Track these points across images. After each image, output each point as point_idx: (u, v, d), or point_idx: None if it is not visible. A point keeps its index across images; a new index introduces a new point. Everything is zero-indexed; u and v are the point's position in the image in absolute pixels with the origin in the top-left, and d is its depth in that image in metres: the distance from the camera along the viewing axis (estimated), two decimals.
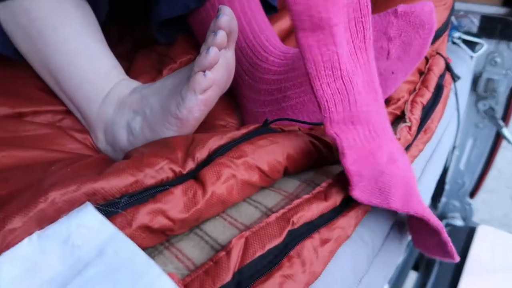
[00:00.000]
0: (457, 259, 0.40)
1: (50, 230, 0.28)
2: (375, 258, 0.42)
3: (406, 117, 0.50)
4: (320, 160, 0.42)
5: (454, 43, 0.87)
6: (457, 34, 0.87)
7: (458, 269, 0.88)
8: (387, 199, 0.36)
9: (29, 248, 0.28)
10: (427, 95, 0.56)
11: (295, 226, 0.34)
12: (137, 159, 0.35)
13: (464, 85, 0.78)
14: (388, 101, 0.52)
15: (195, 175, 0.35)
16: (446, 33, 0.69)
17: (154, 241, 0.32)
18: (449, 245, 0.39)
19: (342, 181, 0.37)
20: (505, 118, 0.95)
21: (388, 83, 0.47)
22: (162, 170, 0.34)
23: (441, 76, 0.62)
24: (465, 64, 0.81)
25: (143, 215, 0.31)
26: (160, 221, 0.31)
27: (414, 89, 0.56)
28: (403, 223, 0.46)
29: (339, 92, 0.35)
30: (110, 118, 0.49)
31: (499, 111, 0.95)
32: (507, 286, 0.85)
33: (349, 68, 0.35)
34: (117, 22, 0.75)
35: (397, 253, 0.47)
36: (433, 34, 0.44)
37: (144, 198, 0.32)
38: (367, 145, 0.37)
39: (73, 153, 0.45)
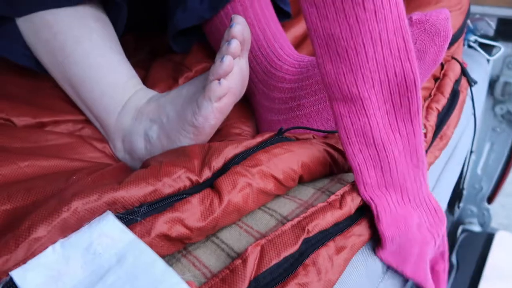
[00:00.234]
0: None
1: (73, 238, 0.29)
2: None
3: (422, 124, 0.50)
4: (335, 168, 0.42)
5: (470, 46, 0.86)
6: (473, 38, 0.86)
7: (476, 276, 0.86)
8: (404, 264, 0.37)
9: (53, 256, 0.29)
10: (443, 101, 0.55)
11: (310, 234, 0.34)
12: (155, 168, 0.35)
13: (480, 89, 0.77)
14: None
15: (211, 184, 0.36)
16: (462, 37, 0.68)
17: (172, 249, 0.33)
18: None
19: (357, 190, 0.38)
20: None
21: None
22: (179, 179, 0.35)
23: (457, 81, 0.62)
24: (481, 68, 0.80)
25: (162, 224, 0.32)
26: (178, 230, 0.32)
27: (429, 95, 0.56)
28: None
29: (371, 158, 0.36)
30: (128, 127, 0.50)
31: None
32: None
33: (384, 137, 0.35)
34: (133, 31, 0.77)
35: None
36: (448, 41, 0.44)
37: (162, 207, 0.33)
38: (400, 210, 0.38)
39: (93, 162, 0.46)
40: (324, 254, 0.33)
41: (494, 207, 1.08)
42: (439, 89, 0.57)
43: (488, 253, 0.90)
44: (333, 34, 0.32)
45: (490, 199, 1.06)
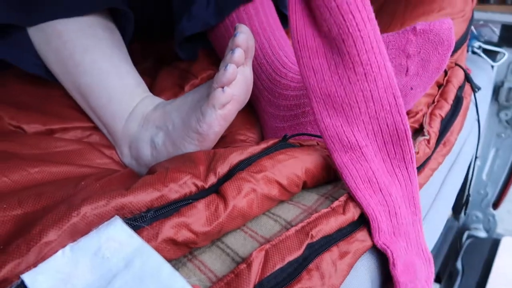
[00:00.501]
0: None
1: (82, 242, 0.30)
2: None
3: (425, 130, 0.50)
4: (338, 174, 0.43)
5: (474, 52, 0.86)
6: (477, 44, 0.86)
7: (482, 282, 0.86)
8: None
9: (62, 260, 0.29)
10: (446, 107, 0.56)
11: (314, 240, 0.34)
12: (161, 174, 0.36)
13: (485, 95, 0.78)
14: (406, 115, 0.53)
15: (217, 190, 0.36)
16: (465, 44, 0.69)
17: (178, 254, 0.34)
18: None
19: None
20: None
21: (407, 98, 0.48)
22: (185, 184, 0.36)
23: (461, 88, 0.62)
24: (485, 74, 0.81)
25: (168, 228, 0.32)
26: (184, 234, 0.33)
27: (433, 102, 0.56)
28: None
29: (380, 204, 0.37)
30: (135, 134, 0.51)
31: None
32: None
33: (387, 182, 0.38)
34: (140, 40, 0.78)
35: None
36: (451, 50, 0.44)
37: (169, 212, 0.33)
38: (407, 257, 0.38)
39: (101, 168, 0.47)
40: (327, 259, 0.34)
41: (499, 213, 1.08)
42: (443, 95, 0.57)
43: (494, 259, 0.90)
44: (329, 93, 0.36)
45: (495, 205, 1.06)
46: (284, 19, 0.63)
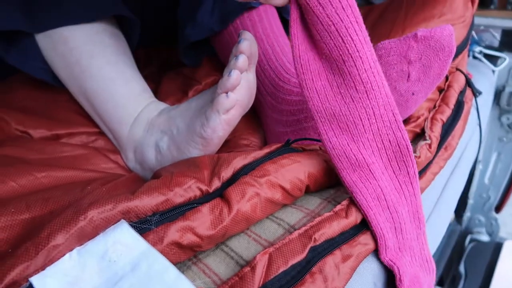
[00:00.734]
0: None
1: (89, 246, 0.31)
2: None
3: (426, 134, 0.51)
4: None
5: (475, 57, 0.87)
6: (478, 49, 0.87)
7: (484, 286, 0.86)
8: None
9: (70, 263, 0.30)
10: (447, 112, 0.56)
11: (317, 243, 0.35)
12: (166, 178, 0.37)
13: (486, 100, 0.78)
14: (408, 119, 0.53)
15: (221, 194, 0.37)
16: (466, 49, 0.69)
17: (183, 257, 0.34)
18: None
19: None
20: None
21: (408, 104, 0.49)
22: (190, 189, 0.36)
23: (462, 92, 0.62)
24: (486, 78, 0.81)
25: (174, 232, 0.33)
26: (189, 238, 0.33)
27: (434, 106, 0.56)
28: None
29: (387, 221, 0.38)
30: (140, 139, 0.51)
31: None
32: None
33: (394, 199, 0.39)
34: (145, 46, 0.79)
35: None
36: (452, 56, 0.45)
37: (174, 216, 0.34)
38: (412, 270, 0.39)
39: (106, 173, 0.47)
40: (330, 262, 0.34)
41: (502, 217, 1.08)
42: (444, 100, 0.58)
43: (497, 263, 0.90)
44: (334, 112, 0.38)
45: (498, 209, 1.06)
46: (287, 26, 0.64)
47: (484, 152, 0.99)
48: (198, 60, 0.69)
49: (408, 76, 0.46)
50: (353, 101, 0.37)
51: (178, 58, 0.67)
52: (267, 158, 0.40)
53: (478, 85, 0.69)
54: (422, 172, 0.48)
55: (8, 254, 0.30)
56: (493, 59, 0.86)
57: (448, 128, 0.55)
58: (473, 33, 0.87)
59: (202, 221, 0.34)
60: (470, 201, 1.04)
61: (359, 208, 0.38)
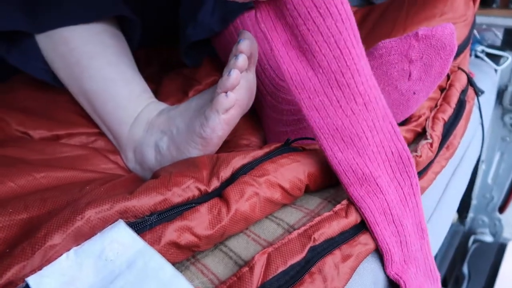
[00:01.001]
0: None
1: (86, 246, 0.31)
2: None
3: (428, 133, 0.50)
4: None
5: (477, 56, 0.86)
6: (480, 48, 0.86)
7: (488, 286, 0.85)
8: None
9: (67, 263, 0.30)
10: (449, 111, 0.56)
11: (317, 243, 0.35)
12: (165, 178, 0.37)
13: (488, 99, 0.77)
14: (409, 119, 0.53)
15: (219, 193, 0.37)
16: (468, 48, 0.69)
17: (181, 257, 0.34)
18: None
19: None
20: None
21: (409, 103, 0.48)
22: (188, 188, 0.36)
23: (463, 91, 0.62)
24: (489, 77, 0.81)
25: (171, 232, 0.33)
26: (187, 238, 0.33)
27: (436, 106, 0.56)
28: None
29: (393, 235, 0.38)
30: (140, 139, 0.51)
31: None
32: None
33: (399, 212, 0.39)
34: (145, 46, 0.79)
35: None
36: (453, 55, 0.44)
37: (172, 215, 0.34)
38: (417, 282, 0.39)
39: (105, 173, 0.47)
40: (330, 262, 0.34)
41: (506, 217, 1.07)
42: (445, 99, 0.57)
43: (500, 264, 0.89)
44: (337, 127, 0.38)
45: (501, 209, 1.05)
46: None
47: (487, 152, 0.99)
48: (199, 60, 0.69)
49: (409, 75, 0.45)
50: (354, 114, 0.37)
51: (178, 58, 0.67)
52: (266, 158, 0.40)
53: (480, 84, 0.69)
54: (423, 172, 0.48)
55: (5, 254, 0.30)
56: (495, 58, 0.85)
57: (449, 127, 0.55)
58: (475, 32, 0.87)
59: (200, 221, 0.34)
60: (473, 202, 1.03)
61: (366, 224, 0.38)
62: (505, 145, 0.97)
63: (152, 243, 0.32)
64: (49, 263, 0.29)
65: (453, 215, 0.67)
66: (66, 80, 0.55)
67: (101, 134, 0.56)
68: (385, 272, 0.38)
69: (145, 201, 0.34)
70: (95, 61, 0.52)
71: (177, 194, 0.35)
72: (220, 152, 0.47)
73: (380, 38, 0.48)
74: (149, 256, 0.30)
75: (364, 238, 0.37)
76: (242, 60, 0.42)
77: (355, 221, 0.38)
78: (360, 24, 0.76)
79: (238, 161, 0.39)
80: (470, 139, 0.67)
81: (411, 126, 0.52)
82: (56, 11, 0.53)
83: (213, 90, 0.45)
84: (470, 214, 1.06)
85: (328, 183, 0.43)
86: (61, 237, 0.30)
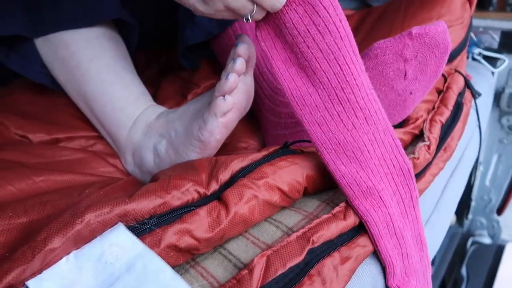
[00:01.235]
0: None
1: (86, 249, 0.31)
2: None
3: (425, 136, 0.51)
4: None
5: (474, 59, 0.87)
6: (477, 51, 0.87)
7: None
8: None
9: (66, 266, 0.30)
10: (446, 113, 0.56)
11: (315, 245, 0.35)
12: (164, 181, 0.37)
13: (485, 101, 0.78)
14: (406, 121, 0.53)
15: (218, 196, 0.37)
16: (465, 51, 0.69)
17: (181, 260, 0.34)
18: None
19: None
20: None
21: (406, 103, 0.49)
22: (187, 191, 0.36)
23: (461, 94, 0.62)
24: (486, 80, 0.81)
25: (171, 235, 0.33)
26: (186, 241, 0.33)
27: (433, 108, 0.56)
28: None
29: (395, 248, 0.39)
30: (138, 142, 0.51)
31: None
32: None
33: (401, 225, 0.39)
34: (144, 49, 0.79)
35: None
36: (448, 52, 0.45)
37: (171, 218, 0.34)
38: None
39: (105, 176, 0.47)
40: (329, 264, 0.34)
41: (504, 219, 1.07)
42: (443, 101, 0.58)
43: (499, 265, 0.90)
44: (339, 141, 0.38)
45: (499, 211, 1.06)
46: None
47: (484, 154, 0.99)
48: (197, 62, 0.69)
49: (405, 75, 0.46)
50: (355, 128, 0.38)
51: (177, 61, 0.67)
52: (265, 160, 0.40)
53: (477, 86, 0.69)
54: (421, 174, 0.48)
55: (5, 258, 0.30)
56: (492, 61, 0.86)
57: (447, 130, 0.55)
58: (472, 34, 0.87)
59: (200, 224, 0.34)
60: (472, 204, 1.04)
61: (370, 237, 0.38)
62: (502, 147, 0.97)
63: (152, 246, 0.32)
64: (49, 266, 0.29)
65: (451, 217, 0.68)
66: (65, 83, 0.55)
67: (100, 137, 0.56)
68: (386, 285, 0.38)
69: (144, 204, 0.34)
70: (94, 65, 0.52)
71: (177, 197, 0.35)
72: (218, 155, 0.47)
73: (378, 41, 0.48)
74: (148, 259, 0.30)
75: (362, 240, 0.38)
76: (240, 63, 0.43)
77: (354, 223, 0.38)
78: (358, 27, 0.76)
79: (237, 164, 0.39)
80: (468, 141, 0.67)
81: (408, 128, 0.52)
82: (55, 15, 0.53)
83: (211, 94, 0.45)
84: (469, 216, 1.07)
85: (326, 186, 0.43)
86: (61, 241, 0.30)
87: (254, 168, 0.39)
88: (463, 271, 0.94)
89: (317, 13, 0.35)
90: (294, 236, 0.35)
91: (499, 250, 0.95)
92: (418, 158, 0.47)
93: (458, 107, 0.59)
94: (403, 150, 0.40)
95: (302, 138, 0.51)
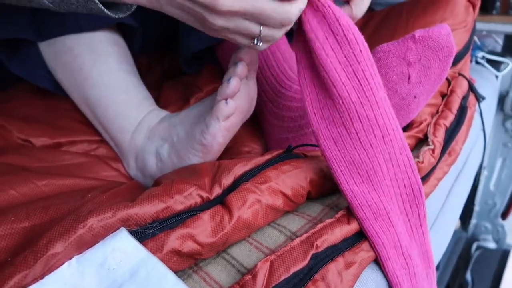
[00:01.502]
0: None
1: (88, 254, 0.30)
2: None
3: (429, 140, 0.50)
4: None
5: (478, 63, 0.87)
6: (480, 54, 0.86)
7: None
8: None
9: (69, 271, 0.30)
10: (450, 117, 0.56)
11: (319, 250, 0.34)
12: (167, 186, 0.37)
13: (489, 105, 0.78)
14: (410, 125, 0.53)
15: (222, 201, 0.37)
16: (468, 54, 0.69)
17: (184, 265, 0.34)
18: None
19: None
20: None
21: (410, 107, 0.48)
22: (190, 196, 0.36)
23: (465, 97, 0.62)
24: (489, 83, 0.81)
25: (174, 240, 0.32)
26: (189, 245, 0.33)
27: (437, 112, 0.56)
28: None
29: (402, 267, 0.38)
30: (141, 146, 0.51)
31: None
32: None
33: (407, 244, 0.39)
34: (146, 53, 0.80)
35: None
36: (452, 55, 0.44)
37: (174, 223, 0.34)
38: None
39: (107, 181, 0.47)
40: (333, 269, 0.34)
41: (509, 223, 1.07)
42: (447, 105, 0.57)
43: (504, 270, 0.89)
44: (353, 160, 0.37)
45: (504, 215, 1.05)
46: (288, 33, 0.64)
47: (489, 158, 0.99)
48: (199, 68, 0.69)
49: (409, 78, 0.45)
50: (372, 148, 0.37)
51: (179, 66, 0.67)
52: (268, 165, 0.40)
53: (481, 90, 0.69)
54: (425, 178, 0.48)
55: (7, 263, 0.29)
56: (496, 64, 0.86)
57: (451, 133, 0.55)
58: (476, 38, 0.87)
59: (203, 229, 0.34)
60: (476, 208, 1.03)
61: (378, 259, 0.38)
62: (507, 151, 0.97)
63: (155, 251, 0.32)
64: (51, 271, 0.29)
65: (456, 222, 0.67)
66: (68, 87, 0.55)
67: (103, 141, 0.56)
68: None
69: (147, 209, 0.34)
70: (97, 69, 0.52)
71: (179, 202, 0.35)
72: (221, 159, 0.47)
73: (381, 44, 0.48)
74: (152, 265, 0.30)
75: (366, 244, 0.37)
76: (241, 67, 0.43)
77: (358, 228, 0.37)
78: (360, 31, 0.76)
79: (240, 168, 0.39)
80: (472, 145, 0.67)
81: (412, 132, 0.52)
82: (59, 20, 0.53)
83: (214, 98, 0.45)
84: (473, 221, 1.06)
85: (330, 190, 0.42)
86: (63, 246, 0.30)
87: (257, 172, 0.39)
88: (468, 276, 0.93)
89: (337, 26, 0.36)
90: (297, 240, 0.35)
91: (504, 255, 0.94)
92: (422, 162, 0.46)
93: (462, 111, 0.59)
94: (416, 170, 0.39)
95: (305, 142, 0.51)
